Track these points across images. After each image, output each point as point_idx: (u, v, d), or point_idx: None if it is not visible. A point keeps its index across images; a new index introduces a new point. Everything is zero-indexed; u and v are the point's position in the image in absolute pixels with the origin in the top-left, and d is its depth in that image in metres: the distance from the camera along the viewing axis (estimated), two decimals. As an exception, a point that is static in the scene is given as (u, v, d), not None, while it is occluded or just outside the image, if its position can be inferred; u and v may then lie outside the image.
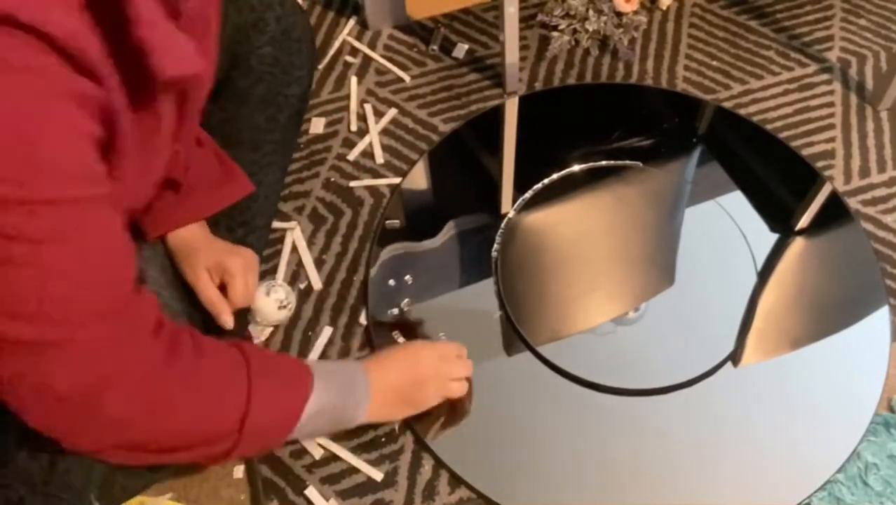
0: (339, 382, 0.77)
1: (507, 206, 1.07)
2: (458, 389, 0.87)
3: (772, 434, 0.87)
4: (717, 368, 0.91)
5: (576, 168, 1.11)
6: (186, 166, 0.83)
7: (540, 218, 1.06)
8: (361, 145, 1.15)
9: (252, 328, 0.95)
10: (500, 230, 1.04)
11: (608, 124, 1.16)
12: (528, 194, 1.08)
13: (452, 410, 0.89)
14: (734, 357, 0.92)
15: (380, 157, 1.14)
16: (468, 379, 0.88)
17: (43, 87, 0.50)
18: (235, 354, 0.69)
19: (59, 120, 0.52)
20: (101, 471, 0.68)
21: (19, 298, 0.53)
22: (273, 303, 0.93)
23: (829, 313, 0.96)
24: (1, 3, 0.46)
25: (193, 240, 0.87)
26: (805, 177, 1.10)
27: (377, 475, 0.86)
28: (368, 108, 1.20)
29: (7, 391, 0.57)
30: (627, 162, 1.11)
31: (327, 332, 0.96)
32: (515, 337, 0.94)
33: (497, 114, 1.19)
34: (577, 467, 0.85)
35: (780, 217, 1.05)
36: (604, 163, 1.11)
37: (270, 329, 0.96)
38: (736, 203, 1.06)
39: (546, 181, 1.09)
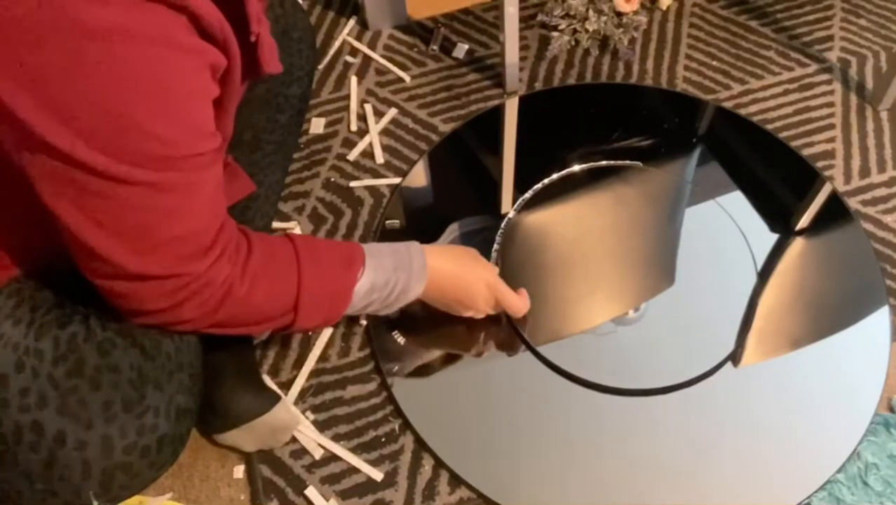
0: (394, 261, 0.81)
1: (507, 206, 1.07)
2: (520, 307, 0.91)
3: (772, 434, 0.87)
4: (717, 368, 0.91)
5: (576, 168, 1.11)
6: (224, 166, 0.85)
7: (540, 218, 1.06)
8: (361, 145, 1.15)
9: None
10: (500, 230, 1.04)
11: (608, 124, 1.16)
12: (528, 194, 1.08)
13: (452, 410, 0.89)
14: (734, 357, 0.92)
15: (380, 157, 1.14)
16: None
17: (192, 60, 0.59)
18: (289, 252, 0.75)
19: (202, 87, 0.61)
20: (99, 468, 0.68)
21: (147, 238, 0.62)
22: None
23: (829, 313, 0.96)
24: None
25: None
26: (805, 177, 1.10)
27: (377, 475, 0.86)
28: (368, 108, 1.20)
29: (110, 299, 0.67)
30: (627, 162, 1.11)
31: (327, 332, 0.96)
32: (515, 337, 0.94)
33: (497, 114, 1.19)
34: (577, 467, 0.85)
35: (780, 217, 1.05)
36: (604, 163, 1.11)
37: (267, 334, 0.96)
38: (736, 203, 1.06)
39: (546, 181, 1.09)
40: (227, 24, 0.62)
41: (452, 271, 0.86)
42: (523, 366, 0.92)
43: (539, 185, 1.08)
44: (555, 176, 1.10)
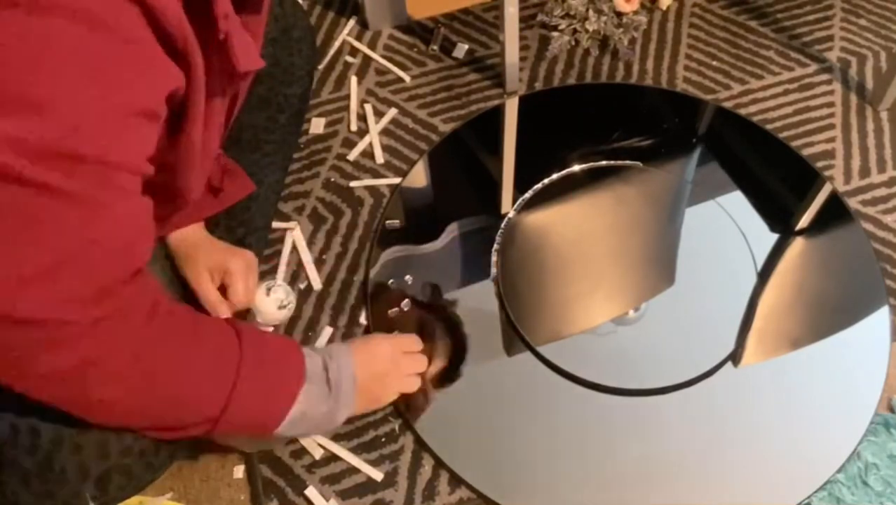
0: (322, 391, 0.76)
1: (507, 206, 1.07)
2: (412, 385, 0.87)
3: (772, 434, 0.87)
4: (717, 368, 0.91)
5: (576, 168, 1.11)
6: (223, 170, 0.83)
7: (540, 218, 1.06)
8: (361, 145, 1.15)
9: (252, 328, 0.95)
10: (500, 230, 1.04)
11: (608, 124, 1.16)
12: (528, 194, 1.08)
13: (452, 410, 0.89)
14: (734, 357, 0.92)
15: (380, 157, 1.14)
16: (421, 375, 0.88)
17: (141, 60, 0.53)
18: (231, 346, 0.68)
19: (144, 96, 0.53)
20: (98, 469, 0.68)
21: (27, 255, 0.51)
22: (273, 303, 0.93)
23: (829, 313, 0.96)
24: None
25: (194, 240, 0.87)
26: (805, 177, 1.10)
27: (377, 475, 0.86)
28: (368, 108, 1.20)
29: None
30: (627, 162, 1.11)
31: (327, 332, 0.96)
32: (515, 337, 0.94)
33: (497, 114, 1.19)
34: (577, 467, 0.85)
35: (780, 217, 1.05)
36: (604, 163, 1.11)
37: (270, 329, 0.96)
38: (736, 203, 1.06)
39: (546, 181, 1.09)
40: (187, 23, 0.55)
41: (358, 378, 0.80)
42: (523, 366, 0.92)
43: (539, 185, 1.08)
44: (555, 176, 1.10)
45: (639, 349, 0.93)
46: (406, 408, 0.89)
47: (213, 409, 0.67)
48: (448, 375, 0.92)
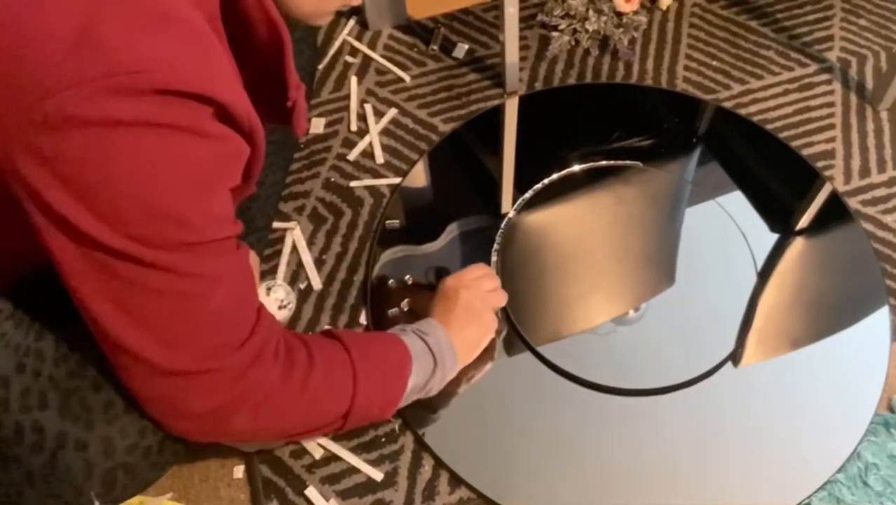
0: (430, 362, 0.81)
1: (507, 206, 1.07)
2: (501, 299, 0.92)
3: (772, 434, 0.87)
4: (717, 368, 0.91)
5: (576, 168, 1.11)
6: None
7: (540, 218, 1.06)
8: (361, 145, 1.15)
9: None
10: (500, 230, 1.04)
11: (608, 124, 1.16)
12: (528, 194, 1.08)
13: (452, 411, 0.89)
14: (734, 357, 0.92)
15: (380, 157, 1.14)
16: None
17: (233, 153, 0.62)
18: (343, 360, 0.74)
19: (222, 175, 0.62)
20: (102, 467, 0.68)
21: (173, 328, 0.62)
22: (273, 303, 0.93)
23: (829, 313, 0.96)
24: (203, 85, 0.56)
25: None
26: (805, 177, 1.10)
27: (377, 475, 0.86)
28: (368, 108, 1.20)
29: (147, 406, 0.66)
30: (627, 162, 1.11)
31: (327, 332, 0.96)
32: (515, 337, 0.94)
33: (497, 114, 1.19)
34: (578, 467, 0.85)
35: (780, 217, 1.05)
36: (604, 163, 1.11)
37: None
38: (736, 203, 1.06)
39: (546, 181, 1.09)
40: (254, 113, 0.63)
41: (466, 338, 0.87)
42: (523, 366, 0.93)
43: (539, 185, 1.08)
44: (555, 176, 1.10)
45: (639, 349, 0.93)
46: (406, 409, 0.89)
47: (337, 416, 0.74)
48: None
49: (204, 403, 0.65)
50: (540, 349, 0.93)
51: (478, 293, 0.89)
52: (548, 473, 0.85)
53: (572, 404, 0.90)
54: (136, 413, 0.69)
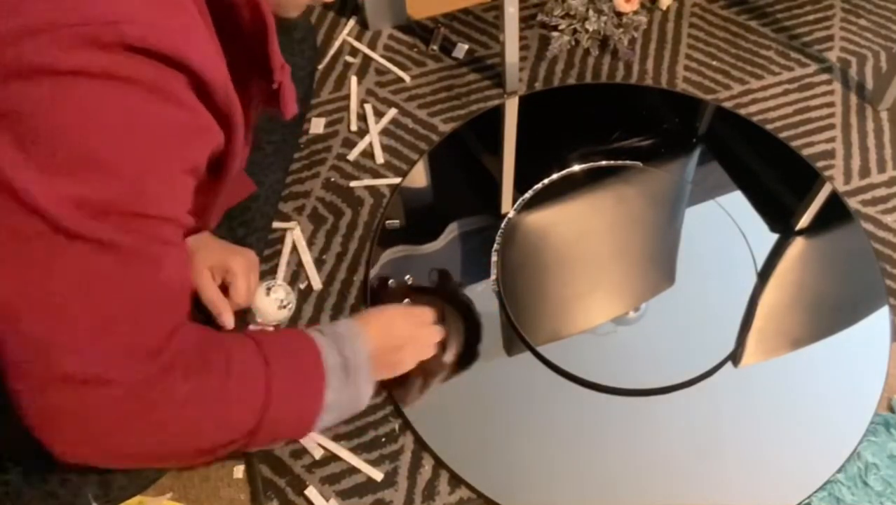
0: (342, 381, 0.74)
1: (507, 206, 1.07)
2: (429, 352, 0.86)
3: (772, 434, 0.87)
4: (717, 368, 0.91)
5: (576, 168, 1.11)
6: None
7: (540, 218, 1.06)
8: (361, 145, 1.15)
9: (252, 328, 0.95)
10: (500, 230, 1.04)
11: (608, 124, 1.16)
12: (528, 194, 1.08)
13: (452, 410, 0.89)
14: (734, 357, 0.92)
15: (380, 157, 1.14)
16: (440, 343, 0.88)
17: (192, 124, 0.56)
18: (258, 366, 0.66)
19: (195, 156, 0.57)
20: (100, 469, 0.68)
21: (87, 312, 0.53)
22: (273, 303, 0.93)
23: (829, 313, 0.96)
24: (179, 49, 0.52)
25: (195, 239, 0.87)
26: (805, 177, 1.10)
27: (377, 475, 0.86)
28: (368, 108, 1.20)
29: (43, 423, 0.56)
30: (627, 162, 1.11)
31: (327, 332, 0.96)
32: (515, 337, 0.94)
33: (497, 114, 1.19)
34: (577, 467, 0.85)
35: (780, 217, 1.05)
36: (604, 163, 1.11)
37: (270, 329, 0.96)
38: (736, 203, 1.06)
39: (546, 181, 1.09)
40: (234, 96, 0.59)
41: (374, 348, 0.78)
42: (523, 366, 0.93)
43: (539, 185, 1.08)
44: (555, 176, 1.10)
45: (639, 349, 0.93)
46: (404, 402, 0.89)
47: (243, 431, 0.65)
48: (448, 375, 0.92)
49: (102, 418, 0.56)
50: (540, 349, 0.93)
51: (416, 331, 0.84)
52: (548, 472, 0.85)
53: (572, 404, 0.90)
54: None
